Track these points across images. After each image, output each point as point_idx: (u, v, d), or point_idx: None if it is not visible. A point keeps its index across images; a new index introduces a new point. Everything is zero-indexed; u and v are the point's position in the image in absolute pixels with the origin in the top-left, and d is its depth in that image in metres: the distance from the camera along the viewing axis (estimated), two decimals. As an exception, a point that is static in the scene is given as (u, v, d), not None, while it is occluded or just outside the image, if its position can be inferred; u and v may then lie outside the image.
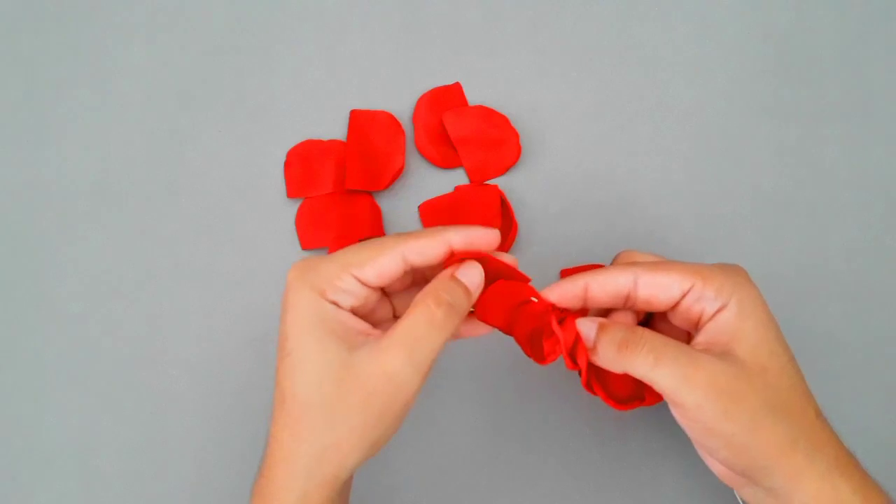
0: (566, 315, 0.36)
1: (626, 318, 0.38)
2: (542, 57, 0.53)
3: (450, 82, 0.52)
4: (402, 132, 0.51)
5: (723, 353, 0.34)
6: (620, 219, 0.50)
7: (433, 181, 0.51)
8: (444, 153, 0.51)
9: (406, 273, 0.35)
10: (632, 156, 0.51)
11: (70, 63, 0.52)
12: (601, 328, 0.35)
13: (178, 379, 0.48)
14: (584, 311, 0.38)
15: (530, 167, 0.51)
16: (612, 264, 0.39)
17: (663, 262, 0.37)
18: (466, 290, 0.35)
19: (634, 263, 0.36)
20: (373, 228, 0.49)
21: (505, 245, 0.49)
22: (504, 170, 0.51)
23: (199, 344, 0.48)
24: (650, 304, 0.36)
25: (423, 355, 0.33)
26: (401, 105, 0.52)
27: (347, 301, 0.34)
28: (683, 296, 0.35)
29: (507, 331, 0.38)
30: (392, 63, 0.52)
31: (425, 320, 0.33)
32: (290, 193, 0.50)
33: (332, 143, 0.51)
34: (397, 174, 0.50)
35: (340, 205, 0.50)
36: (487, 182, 0.50)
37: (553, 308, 0.36)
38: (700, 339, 0.36)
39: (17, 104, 0.52)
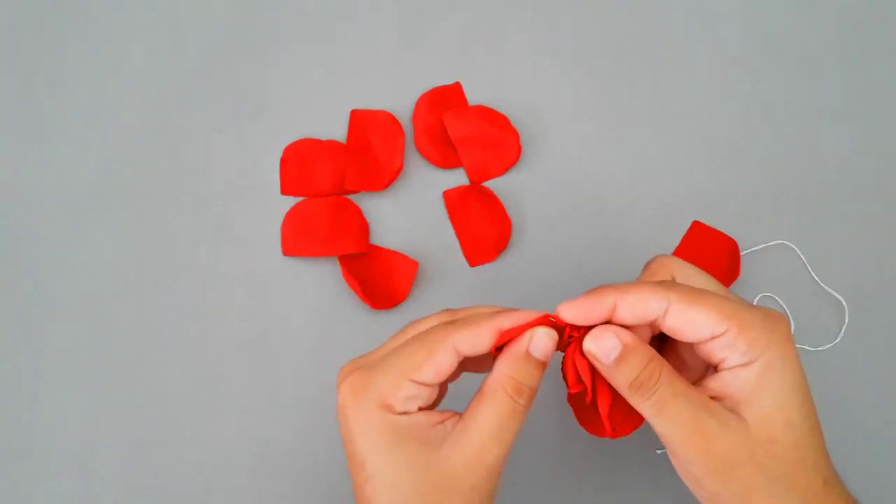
0: (577, 334, 0.34)
1: (644, 335, 0.35)
2: (542, 57, 0.53)
3: (450, 82, 0.52)
4: (402, 132, 0.51)
5: (732, 409, 0.32)
6: (620, 219, 0.50)
7: (433, 181, 0.51)
8: (444, 153, 0.51)
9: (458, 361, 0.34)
10: (632, 156, 0.51)
11: (70, 63, 0.52)
12: (621, 359, 0.32)
13: (178, 378, 0.48)
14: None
15: (530, 167, 0.51)
16: (643, 274, 0.36)
17: (701, 293, 0.33)
18: (540, 364, 0.33)
19: (669, 286, 0.33)
20: (358, 241, 0.49)
21: (501, 244, 0.49)
22: (504, 170, 0.51)
23: (198, 343, 0.48)
24: (674, 333, 0.33)
25: (509, 440, 0.32)
26: (401, 105, 0.51)
27: (414, 405, 0.33)
28: (713, 338, 0.32)
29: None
30: (392, 63, 0.52)
31: (508, 411, 0.32)
32: (285, 191, 0.50)
33: (331, 144, 0.51)
34: (396, 174, 0.50)
35: (328, 213, 0.50)
36: (487, 182, 0.51)
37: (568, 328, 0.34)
38: (713, 384, 0.33)
39: (16, 104, 0.51)
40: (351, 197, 0.50)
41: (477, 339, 0.33)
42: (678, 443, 0.32)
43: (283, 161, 0.51)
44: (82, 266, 0.49)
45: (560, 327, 0.34)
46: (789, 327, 0.33)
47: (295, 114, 0.51)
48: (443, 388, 0.36)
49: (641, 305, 0.32)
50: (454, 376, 0.35)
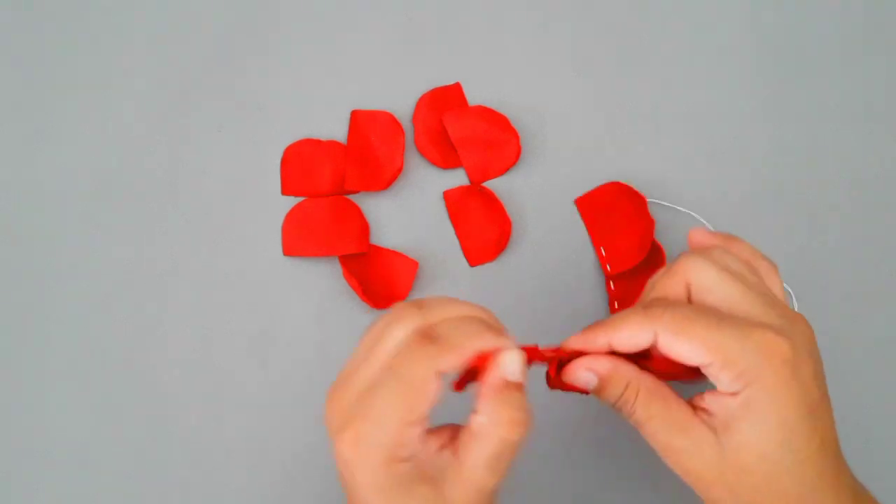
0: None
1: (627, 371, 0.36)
2: (542, 57, 0.53)
3: (450, 82, 0.52)
4: (402, 132, 0.51)
5: (716, 429, 0.33)
6: (620, 219, 0.50)
7: (433, 181, 0.51)
8: (444, 153, 0.51)
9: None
10: (631, 156, 0.51)
11: (70, 63, 0.52)
12: (600, 389, 0.34)
13: (178, 378, 0.48)
14: None
15: (530, 167, 0.51)
16: (665, 276, 0.36)
17: (690, 322, 0.33)
18: (521, 387, 0.33)
19: (657, 317, 0.33)
20: (358, 241, 0.49)
21: (501, 244, 0.49)
22: (504, 170, 0.51)
23: (198, 342, 0.48)
24: (667, 356, 0.34)
25: (507, 468, 0.33)
26: (401, 105, 0.52)
27: (416, 444, 0.32)
28: (700, 366, 0.33)
29: None
30: (392, 63, 0.52)
31: (502, 448, 0.32)
32: (285, 191, 0.50)
33: (331, 144, 0.51)
34: (396, 174, 0.50)
35: (328, 213, 0.50)
36: (487, 182, 0.51)
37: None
38: (707, 399, 0.33)
39: (16, 104, 0.51)
40: (351, 197, 0.50)
41: (461, 363, 0.32)
42: (659, 454, 0.34)
43: (284, 161, 0.51)
44: (82, 266, 0.49)
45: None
46: (791, 357, 0.32)
47: (295, 114, 0.51)
48: None
49: (632, 342, 0.34)
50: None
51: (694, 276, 0.35)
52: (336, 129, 0.51)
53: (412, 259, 0.49)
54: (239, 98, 0.52)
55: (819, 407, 0.33)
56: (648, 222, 0.48)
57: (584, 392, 0.35)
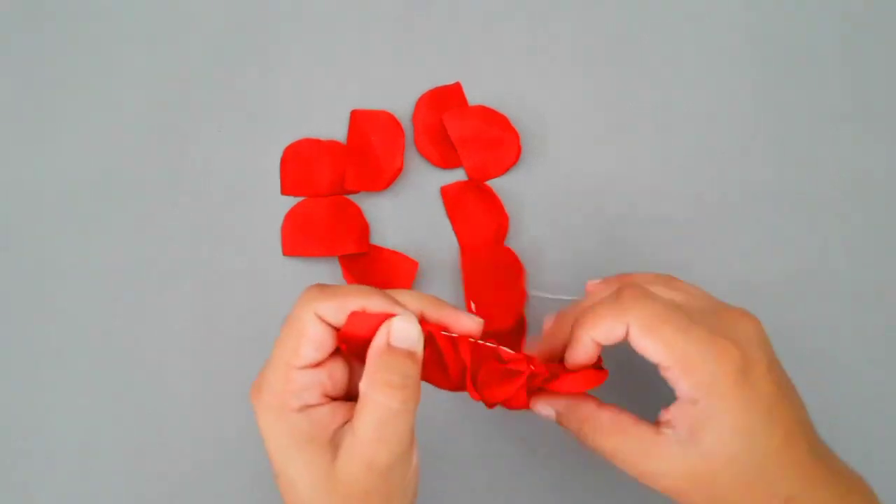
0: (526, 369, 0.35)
1: (588, 407, 0.37)
2: (542, 57, 0.53)
3: (450, 82, 0.52)
4: (402, 132, 0.51)
5: (682, 440, 0.34)
6: (620, 219, 0.50)
7: (433, 181, 0.51)
8: (444, 153, 0.51)
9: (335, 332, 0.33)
10: (631, 156, 0.51)
11: (70, 63, 0.52)
12: (560, 422, 0.37)
13: (178, 378, 0.48)
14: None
15: (530, 167, 0.51)
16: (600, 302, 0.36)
17: (662, 321, 0.34)
18: (409, 355, 0.32)
19: (626, 310, 0.34)
20: (358, 241, 0.49)
21: (498, 240, 0.49)
22: (504, 170, 0.51)
23: (198, 343, 0.48)
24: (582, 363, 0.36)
25: (398, 439, 0.31)
26: (401, 105, 0.51)
27: (310, 395, 0.32)
28: (663, 369, 0.34)
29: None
30: (392, 63, 0.52)
31: (386, 414, 0.31)
32: (285, 191, 0.50)
33: (331, 144, 0.51)
34: (396, 174, 0.50)
35: (328, 213, 0.50)
36: (487, 182, 0.51)
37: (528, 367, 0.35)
38: (672, 410, 0.34)
39: (16, 104, 0.51)
40: (351, 197, 0.50)
41: (341, 312, 0.32)
42: (634, 478, 0.35)
43: (283, 161, 0.51)
44: (82, 266, 0.49)
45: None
46: (740, 363, 0.33)
47: (295, 114, 0.51)
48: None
49: (603, 335, 0.35)
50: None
51: (634, 315, 0.34)
52: (336, 129, 0.51)
53: (412, 259, 0.49)
54: (239, 98, 0.52)
55: (777, 403, 0.34)
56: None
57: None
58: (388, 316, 0.32)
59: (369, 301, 0.32)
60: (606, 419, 0.35)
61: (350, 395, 0.34)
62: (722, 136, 0.52)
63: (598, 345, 0.35)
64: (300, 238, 0.49)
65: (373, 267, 0.49)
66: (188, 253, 0.50)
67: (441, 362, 0.34)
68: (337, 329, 0.32)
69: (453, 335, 0.33)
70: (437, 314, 0.34)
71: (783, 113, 0.52)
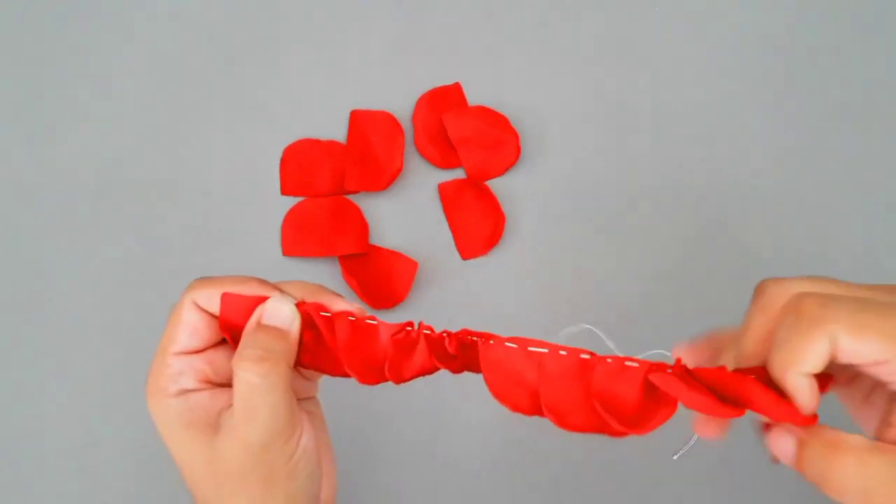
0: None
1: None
2: (542, 57, 0.53)
3: (450, 82, 0.52)
4: (402, 132, 0.51)
5: None
6: (620, 220, 0.50)
7: (433, 181, 0.51)
8: (443, 153, 0.51)
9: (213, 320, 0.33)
10: (631, 156, 0.51)
11: (70, 63, 0.52)
12: (801, 446, 0.28)
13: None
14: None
15: (530, 167, 0.51)
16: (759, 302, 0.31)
17: (861, 312, 0.27)
18: (278, 332, 0.32)
19: (824, 315, 0.27)
20: (358, 241, 0.49)
21: (493, 238, 0.49)
22: (504, 170, 0.51)
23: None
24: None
25: (269, 418, 0.30)
26: (401, 105, 0.51)
27: (187, 380, 0.32)
28: (876, 364, 0.27)
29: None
30: (392, 63, 0.52)
31: (250, 388, 0.30)
32: (285, 191, 0.50)
33: (330, 144, 0.51)
34: (396, 174, 0.50)
35: (328, 213, 0.50)
36: (486, 182, 0.51)
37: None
38: (887, 433, 0.28)
39: (17, 104, 0.52)
40: (351, 197, 0.50)
41: (216, 298, 0.33)
42: None
43: (283, 161, 0.51)
44: (82, 266, 0.49)
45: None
46: None
47: (295, 114, 0.51)
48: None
49: (812, 363, 0.27)
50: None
51: (833, 322, 0.27)
52: (336, 129, 0.51)
53: (412, 259, 0.49)
54: (239, 98, 0.52)
55: None
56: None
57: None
58: (264, 299, 0.33)
59: (245, 286, 0.33)
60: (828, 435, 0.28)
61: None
62: (721, 136, 0.52)
63: (812, 378, 0.27)
64: (300, 238, 0.49)
65: (372, 267, 0.49)
66: (188, 253, 0.50)
67: (325, 346, 0.33)
68: (216, 317, 0.33)
69: (329, 314, 0.33)
70: (316, 299, 0.33)
71: (783, 112, 0.52)
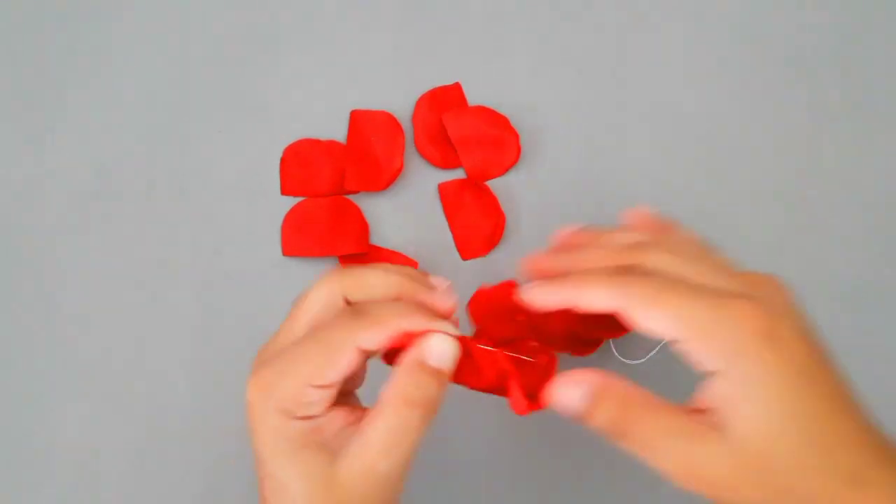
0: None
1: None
2: (542, 57, 0.53)
3: (450, 82, 0.52)
4: (402, 132, 0.51)
5: (716, 425, 0.29)
6: (619, 219, 0.50)
7: (432, 182, 0.51)
8: (443, 153, 0.51)
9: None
10: (631, 156, 0.51)
11: (70, 63, 0.52)
12: (594, 406, 0.31)
13: (178, 378, 0.48)
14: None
15: (530, 167, 0.51)
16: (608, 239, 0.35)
17: (667, 289, 0.30)
18: (439, 374, 0.32)
19: (628, 284, 0.31)
20: (358, 241, 0.49)
21: (494, 239, 0.49)
22: (504, 170, 0.51)
23: (198, 343, 0.48)
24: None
25: (403, 453, 0.31)
26: (401, 105, 0.51)
27: (317, 408, 0.32)
28: (673, 342, 0.30)
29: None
30: (392, 63, 0.52)
31: (399, 426, 0.31)
32: (285, 191, 0.50)
33: (330, 144, 0.51)
34: (396, 174, 0.50)
35: (328, 213, 0.50)
36: (487, 182, 0.51)
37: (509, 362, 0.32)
38: (693, 405, 0.31)
39: (16, 104, 0.52)
40: (351, 197, 0.50)
41: (383, 338, 0.32)
42: (668, 475, 0.31)
43: (283, 161, 0.51)
44: (82, 266, 0.49)
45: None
46: (766, 323, 0.29)
47: (295, 114, 0.51)
48: (360, 372, 0.35)
49: (596, 304, 0.31)
50: (364, 365, 0.35)
51: (642, 221, 0.33)
52: (336, 129, 0.51)
53: (412, 259, 0.49)
54: (239, 98, 0.52)
55: (816, 367, 0.30)
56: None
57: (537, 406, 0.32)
58: (427, 332, 0.32)
59: (410, 322, 0.32)
60: (639, 396, 0.31)
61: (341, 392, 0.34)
62: (721, 136, 0.52)
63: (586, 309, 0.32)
64: (300, 238, 0.49)
65: (372, 267, 0.49)
66: (188, 253, 0.50)
67: (474, 368, 0.33)
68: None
69: (490, 349, 0.33)
70: (413, 295, 0.33)
71: (783, 112, 0.52)
